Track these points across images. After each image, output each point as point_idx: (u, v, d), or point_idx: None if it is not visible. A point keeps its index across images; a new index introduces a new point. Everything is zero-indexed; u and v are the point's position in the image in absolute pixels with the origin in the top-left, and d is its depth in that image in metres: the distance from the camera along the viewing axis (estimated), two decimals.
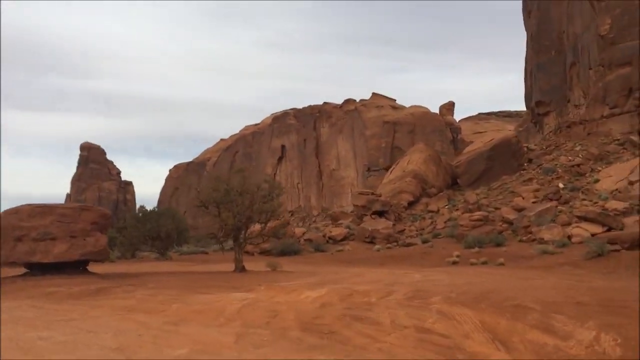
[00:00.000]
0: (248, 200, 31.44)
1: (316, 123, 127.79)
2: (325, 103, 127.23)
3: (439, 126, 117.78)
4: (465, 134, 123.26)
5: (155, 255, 49.28)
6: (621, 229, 43.60)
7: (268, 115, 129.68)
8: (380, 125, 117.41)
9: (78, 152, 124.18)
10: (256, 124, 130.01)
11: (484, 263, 40.22)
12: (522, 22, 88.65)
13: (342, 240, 56.18)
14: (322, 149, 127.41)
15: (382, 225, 55.46)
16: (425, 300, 16.47)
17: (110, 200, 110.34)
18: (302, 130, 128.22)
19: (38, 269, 29.29)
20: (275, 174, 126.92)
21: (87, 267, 31.10)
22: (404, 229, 56.65)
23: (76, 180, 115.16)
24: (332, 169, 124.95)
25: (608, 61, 61.84)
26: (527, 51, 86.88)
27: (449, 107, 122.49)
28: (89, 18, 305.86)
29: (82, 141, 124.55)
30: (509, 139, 65.19)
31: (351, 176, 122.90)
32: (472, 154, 64.69)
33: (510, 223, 51.47)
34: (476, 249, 44.26)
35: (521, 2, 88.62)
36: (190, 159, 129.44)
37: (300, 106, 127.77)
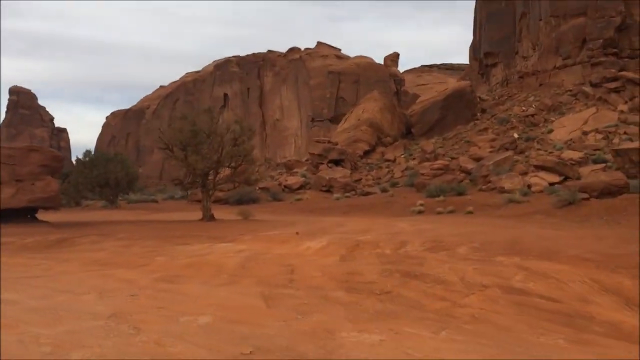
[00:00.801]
0: (217, 142, 28.27)
1: (260, 72, 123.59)
2: (269, 51, 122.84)
3: (384, 77, 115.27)
4: (408, 86, 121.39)
5: (103, 204, 45.53)
6: (578, 179, 42.68)
7: (210, 62, 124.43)
8: (325, 75, 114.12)
9: (6, 96, 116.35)
10: (197, 72, 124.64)
11: (451, 212, 38.39)
12: None
13: (298, 189, 53.56)
14: (265, 99, 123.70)
15: (339, 174, 53.00)
16: (453, 250, 14.05)
17: None
18: (245, 78, 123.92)
19: None
20: (217, 122, 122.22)
21: (36, 216, 27.43)
22: (361, 178, 54.38)
23: (5, 126, 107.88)
24: (275, 119, 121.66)
25: (563, 11, 60.23)
26: (477, 0, 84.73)
27: (393, 58, 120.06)
28: None
29: (9, 85, 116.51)
30: (462, 88, 63.30)
31: (295, 126, 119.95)
32: (426, 103, 62.52)
33: (469, 173, 49.85)
34: (441, 197, 42.33)
35: None
36: (127, 107, 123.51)
37: (243, 54, 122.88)
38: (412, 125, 63.47)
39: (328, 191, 53.24)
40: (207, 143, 28.16)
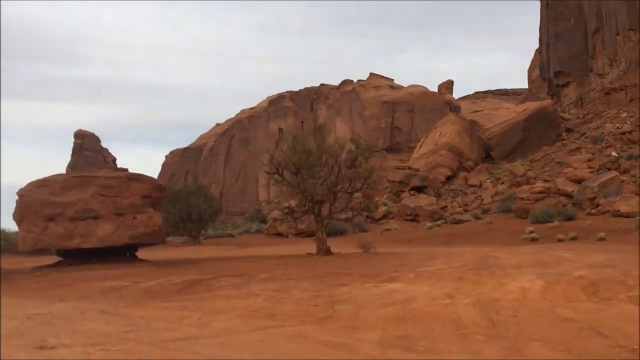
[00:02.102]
0: (331, 164, 24.13)
1: (313, 105, 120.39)
2: (322, 85, 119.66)
3: (439, 105, 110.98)
4: (464, 113, 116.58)
5: (183, 240, 41.63)
6: None
7: (264, 98, 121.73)
8: (379, 106, 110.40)
9: (72, 140, 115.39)
10: (252, 108, 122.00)
11: (574, 239, 33.63)
12: None
13: (381, 218, 49.03)
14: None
15: (424, 201, 48.38)
16: None
17: None
18: (299, 112, 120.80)
19: (74, 257, 21.55)
20: (272, 157, 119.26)
21: (136, 254, 23.41)
22: (446, 206, 49.75)
23: (71, 168, 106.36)
24: None
25: None
26: (541, 21, 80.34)
27: (447, 85, 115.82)
28: (76, 4, 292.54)
29: (74, 129, 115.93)
30: (545, 107, 58.51)
31: None
32: (506, 124, 57.84)
33: (570, 196, 44.82)
34: (555, 223, 37.46)
35: None
36: (185, 145, 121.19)
37: (296, 89, 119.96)
38: (491, 148, 58.74)
39: (413, 220, 48.67)
40: (321, 165, 24.07)
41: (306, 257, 23.66)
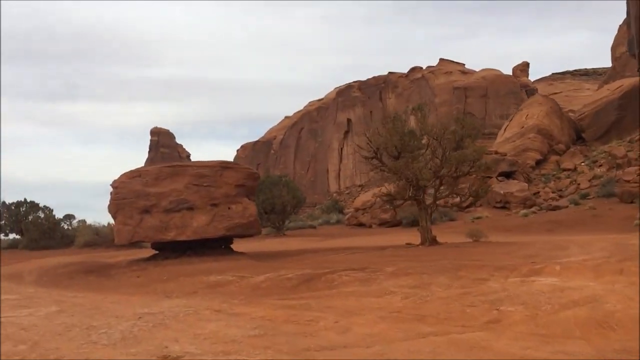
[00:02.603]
0: (434, 146, 22.22)
1: (382, 94, 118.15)
2: (390, 73, 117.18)
3: (514, 88, 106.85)
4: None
5: (267, 231, 40.41)
6: None
7: (331, 89, 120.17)
8: (450, 92, 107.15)
9: (148, 138, 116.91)
10: (320, 99, 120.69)
11: None
12: None
13: (468, 206, 46.50)
14: None
15: (515, 187, 45.76)
16: None
17: None
18: (368, 102, 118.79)
19: (170, 249, 20.38)
20: (342, 148, 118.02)
21: (231, 246, 22.11)
22: (539, 192, 46.92)
23: (148, 164, 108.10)
24: None
25: None
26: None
27: (522, 67, 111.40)
28: (146, 4, 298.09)
29: (150, 127, 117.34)
30: None
31: None
32: (599, 103, 54.29)
33: None
34: None
35: None
36: (255, 139, 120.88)
37: (363, 79, 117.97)
38: (582, 129, 55.33)
39: (503, 207, 46.16)
40: (423, 147, 22.19)
41: (411, 248, 21.84)
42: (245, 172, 21.55)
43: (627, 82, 56.90)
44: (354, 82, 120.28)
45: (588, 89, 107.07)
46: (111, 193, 21.20)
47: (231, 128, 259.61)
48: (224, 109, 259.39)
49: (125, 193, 20.73)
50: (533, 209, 43.66)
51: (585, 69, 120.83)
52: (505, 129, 57.13)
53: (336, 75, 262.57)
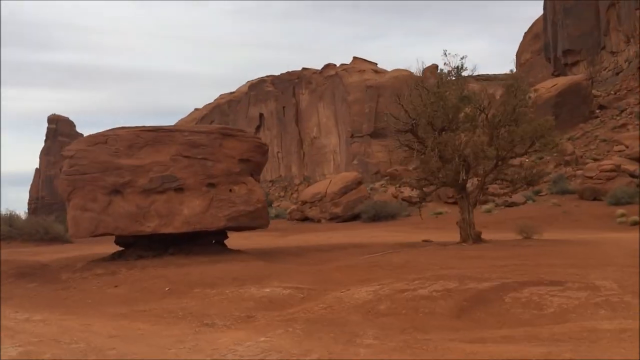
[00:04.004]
0: (481, 119, 17.23)
1: (295, 89, 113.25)
2: (304, 69, 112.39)
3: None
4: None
5: None
6: None
7: (244, 83, 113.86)
8: (363, 90, 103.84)
9: (45, 125, 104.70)
10: (231, 92, 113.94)
11: None
12: None
13: (418, 201, 42.20)
14: (302, 116, 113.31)
15: (469, 182, 41.77)
16: None
17: None
18: (281, 97, 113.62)
19: (143, 246, 14.06)
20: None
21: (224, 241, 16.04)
22: (487, 187, 43.20)
23: (45, 154, 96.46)
24: (313, 137, 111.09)
25: None
26: None
27: (432, 70, 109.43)
28: None
29: (48, 114, 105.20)
30: (578, 82, 52.66)
31: (333, 143, 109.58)
32: (536, 100, 51.67)
33: (632, 175, 39.09)
34: None
35: None
36: None
37: (277, 74, 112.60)
38: None
39: (455, 203, 42.10)
40: (469, 121, 17.13)
41: (464, 247, 16.67)
42: (252, 143, 15.53)
43: (562, 81, 54.99)
44: (267, 76, 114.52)
45: (491, 92, 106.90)
46: (64, 166, 14.58)
47: (138, 118, 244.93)
48: (131, 98, 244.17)
49: (86, 165, 14.20)
50: (489, 205, 39.92)
51: (487, 74, 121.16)
52: None
53: (249, 68, 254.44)
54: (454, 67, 18.09)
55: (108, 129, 14.92)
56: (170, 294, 10.83)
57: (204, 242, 15.55)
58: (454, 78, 18.00)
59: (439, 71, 17.68)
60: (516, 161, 18.27)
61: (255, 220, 15.23)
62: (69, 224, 14.31)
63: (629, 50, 62.92)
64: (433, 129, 17.10)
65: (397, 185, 37.64)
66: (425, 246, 17.61)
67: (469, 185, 19.18)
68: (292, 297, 9.68)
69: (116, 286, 12.25)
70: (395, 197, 43.65)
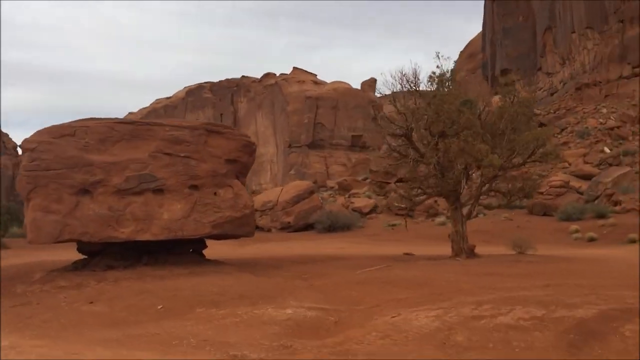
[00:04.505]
0: (477, 126, 16.01)
1: (234, 97, 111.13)
2: (243, 77, 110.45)
3: (362, 103, 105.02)
4: (385, 111, 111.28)
5: None
6: None
7: (181, 88, 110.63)
8: (302, 101, 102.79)
9: None
10: (168, 97, 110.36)
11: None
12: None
13: (369, 212, 41.14)
14: (240, 125, 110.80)
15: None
16: None
17: (6, 176, 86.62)
18: (219, 104, 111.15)
19: (112, 254, 12.06)
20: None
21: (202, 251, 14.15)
22: (437, 200, 42.62)
23: None
24: None
25: (630, 15, 51.33)
26: (486, 17, 76.13)
27: (370, 83, 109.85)
28: None
29: None
30: (520, 100, 52.95)
31: (271, 153, 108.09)
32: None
33: (578, 192, 39.43)
34: (605, 221, 31.35)
35: None
36: None
37: (216, 80, 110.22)
38: None
39: (408, 215, 41.11)
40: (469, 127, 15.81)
41: (460, 262, 15.35)
42: (240, 141, 13.69)
43: None
44: (206, 82, 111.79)
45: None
46: (23, 160, 12.34)
47: (69, 120, 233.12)
48: (64, 99, 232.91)
49: (50, 160, 12.03)
50: (441, 217, 39.17)
51: (425, 89, 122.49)
52: None
53: (187, 73, 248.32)
54: (447, 70, 16.85)
55: (75, 119, 12.79)
56: (167, 315, 8.90)
57: (181, 251, 13.59)
58: (449, 80, 16.72)
59: (433, 73, 16.36)
60: (516, 171, 17.08)
61: (241, 228, 13.40)
62: (27, 228, 12.05)
63: (564, 71, 64.38)
64: (431, 134, 15.76)
65: (383, 195, 36.47)
66: (416, 260, 16.21)
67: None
68: (322, 320, 7.99)
69: (91, 303, 10.18)
70: (346, 207, 42.31)
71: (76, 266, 13.20)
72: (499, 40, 72.89)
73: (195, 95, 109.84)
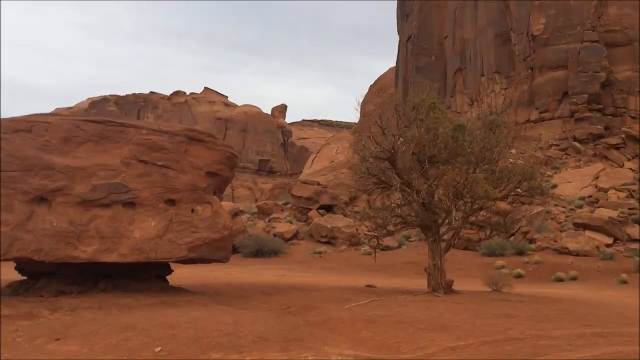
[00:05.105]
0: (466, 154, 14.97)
1: (140, 112, 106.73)
2: (151, 92, 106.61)
3: (272, 127, 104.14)
4: (293, 138, 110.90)
5: None
6: (628, 240, 35.51)
7: (84, 99, 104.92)
8: (212, 121, 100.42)
9: None
10: (69, 107, 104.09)
11: (574, 279, 28.24)
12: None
13: (291, 238, 39.56)
14: None
15: (342, 223, 40.03)
16: None
17: None
18: (124, 119, 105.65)
19: (64, 275, 9.90)
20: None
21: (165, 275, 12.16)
22: (357, 229, 41.79)
23: None
24: None
25: (539, 63, 53.47)
26: (400, 55, 77.55)
27: (281, 109, 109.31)
28: None
29: None
30: None
31: None
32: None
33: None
34: (535, 257, 31.68)
35: (396, 3, 79.65)
36: None
37: (122, 94, 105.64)
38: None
39: (328, 243, 39.94)
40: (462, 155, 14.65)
41: (444, 298, 14.12)
42: (223, 152, 11.75)
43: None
44: (111, 95, 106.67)
45: (332, 135, 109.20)
46: None
47: None
48: None
49: (2, 160, 9.64)
50: (359, 247, 38.27)
51: (330, 120, 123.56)
52: (313, 161, 51.56)
53: (91, 85, 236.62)
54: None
55: (30, 114, 10.46)
56: None
57: (145, 276, 11.41)
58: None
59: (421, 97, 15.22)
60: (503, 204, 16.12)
61: (218, 252, 11.44)
62: None
63: (472, 112, 66.24)
64: (418, 160, 14.55)
65: (304, 221, 34.75)
66: (395, 295, 14.78)
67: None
68: None
69: (58, 339, 7.94)
70: (267, 232, 40.47)
71: (15, 289, 10.71)
72: (411, 77, 74.25)
73: (99, 107, 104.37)
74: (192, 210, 11.02)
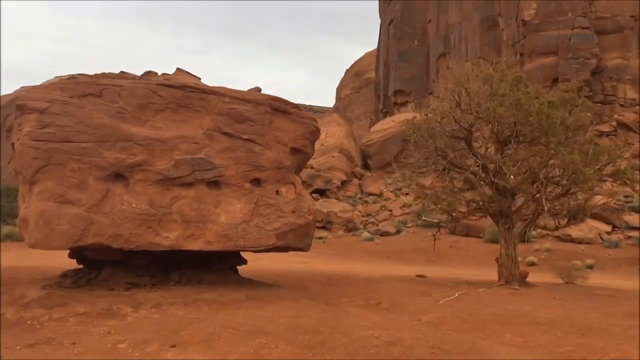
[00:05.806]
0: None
1: None
2: (122, 72, 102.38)
3: None
4: None
5: None
6: (626, 228, 35.29)
7: (52, 77, 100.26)
8: None
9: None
10: (36, 86, 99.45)
11: (590, 267, 27.50)
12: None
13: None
14: None
15: (337, 207, 38.80)
16: None
17: None
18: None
19: (129, 266, 8.23)
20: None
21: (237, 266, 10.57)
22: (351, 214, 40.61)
23: None
24: None
25: (529, 49, 52.84)
26: (382, 38, 76.37)
27: (256, 92, 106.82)
28: None
29: None
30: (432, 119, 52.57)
31: None
32: (387, 133, 50.52)
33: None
34: (536, 245, 30.81)
35: None
36: None
37: (91, 72, 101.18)
38: (369, 156, 51.15)
39: (324, 228, 38.62)
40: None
41: (522, 292, 12.91)
42: (309, 126, 10.20)
43: (411, 116, 54.80)
44: (80, 74, 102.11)
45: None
46: (27, 130, 8.05)
47: None
48: None
49: (70, 129, 7.97)
50: (354, 232, 37.12)
51: (304, 104, 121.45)
52: None
53: (58, 64, 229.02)
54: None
55: (95, 73, 8.80)
56: None
57: (221, 266, 9.89)
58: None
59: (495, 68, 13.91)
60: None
61: (302, 239, 9.98)
62: (30, 225, 7.72)
63: None
64: (498, 139, 13.24)
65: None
66: (470, 287, 13.53)
67: None
68: None
69: (173, 346, 6.41)
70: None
71: (75, 281, 9.06)
72: (393, 62, 73.09)
73: None
74: (277, 192, 9.52)
